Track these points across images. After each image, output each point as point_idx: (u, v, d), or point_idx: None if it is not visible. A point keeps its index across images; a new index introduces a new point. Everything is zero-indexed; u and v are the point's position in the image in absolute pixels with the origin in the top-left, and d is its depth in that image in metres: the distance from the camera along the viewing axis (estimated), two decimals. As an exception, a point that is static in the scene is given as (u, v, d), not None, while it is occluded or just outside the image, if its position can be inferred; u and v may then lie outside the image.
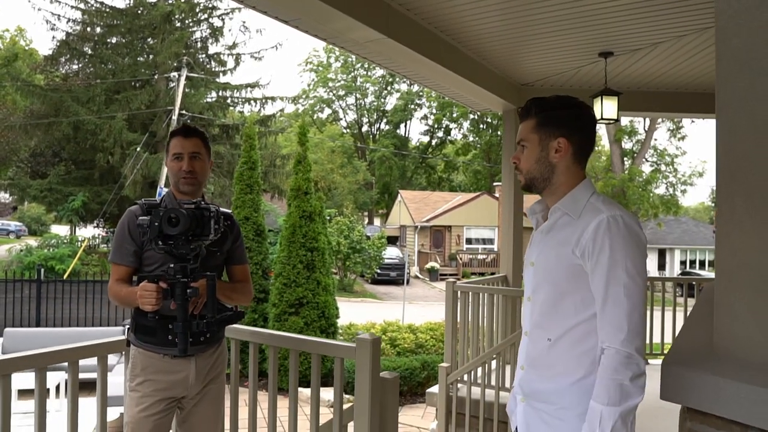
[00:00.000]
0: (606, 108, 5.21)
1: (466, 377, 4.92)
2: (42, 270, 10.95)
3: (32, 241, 24.82)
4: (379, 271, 25.52)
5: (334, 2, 3.38)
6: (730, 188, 1.58)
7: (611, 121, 5.24)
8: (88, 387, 4.87)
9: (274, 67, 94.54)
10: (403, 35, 4.07)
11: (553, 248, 1.69)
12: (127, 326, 2.36)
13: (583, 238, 1.61)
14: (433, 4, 4.08)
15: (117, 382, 3.57)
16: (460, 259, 30.64)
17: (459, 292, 5.13)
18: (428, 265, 30.28)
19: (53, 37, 27.67)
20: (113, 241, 2.32)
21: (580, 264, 1.62)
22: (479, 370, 4.91)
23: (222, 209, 2.34)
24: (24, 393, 6.73)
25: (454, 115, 44.17)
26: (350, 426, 2.51)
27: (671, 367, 1.57)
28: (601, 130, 29.15)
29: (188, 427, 2.41)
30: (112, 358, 6.82)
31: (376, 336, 2.33)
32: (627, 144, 29.46)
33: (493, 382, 4.76)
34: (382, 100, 48.39)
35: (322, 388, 2.60)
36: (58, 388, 6.95)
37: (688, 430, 1.58)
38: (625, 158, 28.01)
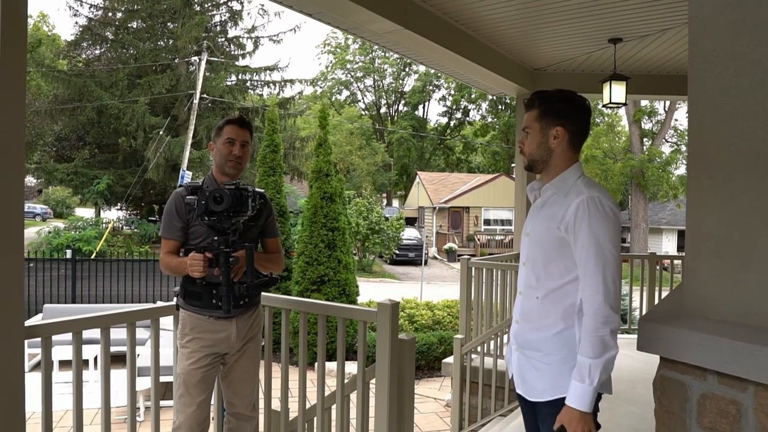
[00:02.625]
0: (615, 92, 5.43)
1: (479, 348, 5.22)
2: (74, 250, 11.40)
3: (59, 224, 25.51)
4: (397, 251, 25.85)
5: (354, -3, 3.65)
6: (698, 170, 1.84)
7: (619, 105, 5.45)
8: (119, 360, 5.26)
9: (292, 49, 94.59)
10: (419, 26, 4.32)
11: (544, 222, 2.00)
12: (177, 293, 2.69)
13: (567, 216, 1.91)
14: (448, -5, 4.32)
15: (146, 354, 3.95)
16: (478, 240, 30.85)
17: (473, 268, 5.41)
18: (446, 246, 30.55)
19: (76, 23, 28.09)
20: (162, 219, 2.65)
21: (564, 237, 1.92)
22: (491, 341, 5.21)
23: (257, 189, 2.66)
24: (64, 364, 7.18)
25: (473, 96, 44.09)
26: (371, 383, 2.82)
27: (647, 323, 1.85)
28: (621, 110, 29.01)
29: (230, 380, 2.75)
30: (143, 333, 7.20)
31: (395, 301, 2.62)
32: (647, 124, 29.31)
33: (504, 353, 5.06)
34: (401, 81, 48.41)
35: (346, 362, 2.94)
36: (96, 360, 7.36)
37: (661, 376, 1.86)
38: (644, 139, 27.90)
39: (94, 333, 2.65)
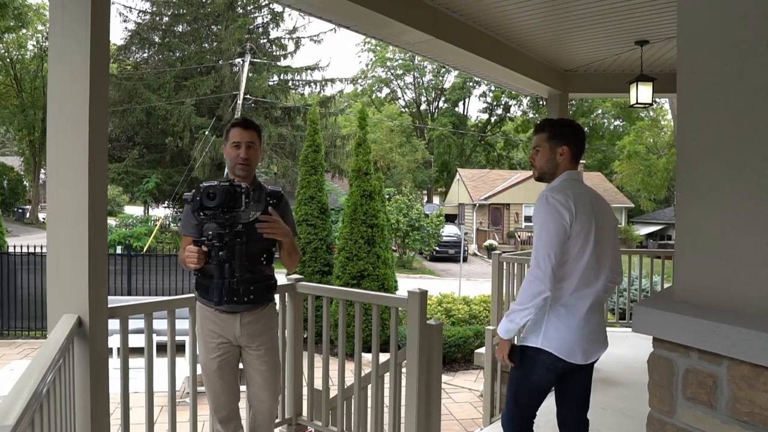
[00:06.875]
0: (641, 93, 5.59)
1: (510, 339, 5.47)
2: (129, 246, 12.03)
3: (110, 221, 26.58)
4: (437, 248, 26.09)
5: (386, 11, 3.94)
6: (684, 171, 2.09)
7: (646, 105, 5.61)
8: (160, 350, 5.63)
9: (332, 48, 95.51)
10: (450, 35, 4.59)
11: None
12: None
13: None
14: (477, 4, 4.57)
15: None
16: (519, 236, 30.82)
17: (504, 262, 5.66)
18: (486, 243, 30.62)
19: (125, 28, 29.20)
20: (182, 217, 2.88)
21: None
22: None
23: (270, 187, 2.84)
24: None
25: (513, 92, 43.90)
26: (403, 365, 3.14)
27: (639, 307, 2.11)
28: (666, 104, 28.50)
29: (250, 383, 2.90)
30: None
31: (424, 290, 2.93)
32: (691, 118, 28.73)
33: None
34: (441, 78, 48.47)
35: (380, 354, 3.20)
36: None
37: (652, 354, 2.12)
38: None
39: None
